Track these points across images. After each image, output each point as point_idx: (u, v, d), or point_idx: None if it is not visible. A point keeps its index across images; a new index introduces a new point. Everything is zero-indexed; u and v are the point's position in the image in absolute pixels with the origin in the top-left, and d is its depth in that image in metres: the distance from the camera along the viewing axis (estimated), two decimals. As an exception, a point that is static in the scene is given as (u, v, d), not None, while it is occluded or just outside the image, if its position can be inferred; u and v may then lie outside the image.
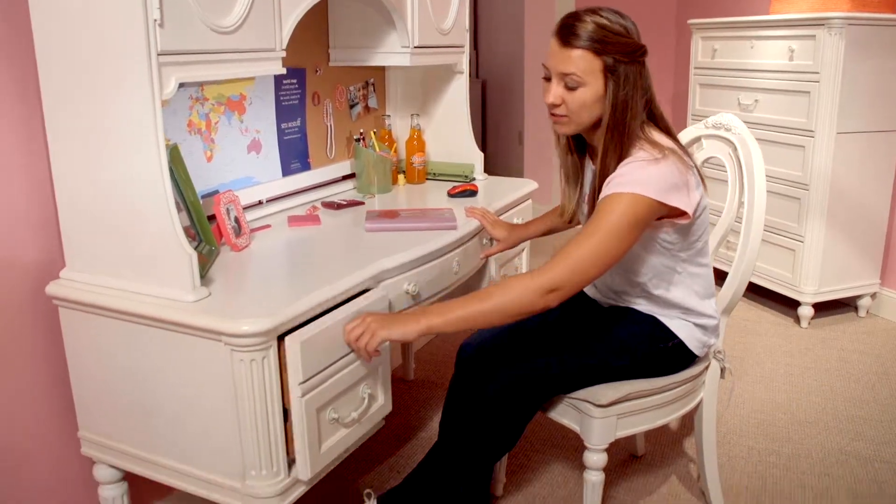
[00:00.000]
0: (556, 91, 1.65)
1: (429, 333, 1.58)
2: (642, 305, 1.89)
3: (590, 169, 1.82)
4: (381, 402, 1.75)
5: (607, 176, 1.64)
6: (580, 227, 2.12)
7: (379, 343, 1.56)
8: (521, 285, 1.56)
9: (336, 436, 1.61)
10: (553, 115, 1.69)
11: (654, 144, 1.63)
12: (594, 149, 1.75)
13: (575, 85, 1.62)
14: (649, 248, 1.77)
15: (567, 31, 1.60)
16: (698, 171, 1.73)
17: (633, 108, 1.63)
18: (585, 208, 1.84)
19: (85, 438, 1.72)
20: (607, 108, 1.62)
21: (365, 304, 1.64)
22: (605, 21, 1.60)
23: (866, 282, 3.58)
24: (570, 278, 1.56)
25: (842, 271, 3.50)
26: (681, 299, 1.84)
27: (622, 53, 1.59)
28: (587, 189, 1.83)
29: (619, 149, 1.64)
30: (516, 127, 6.06)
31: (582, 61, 1.59)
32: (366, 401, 1.67)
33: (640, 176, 1.58)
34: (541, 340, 1.87)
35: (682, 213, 1.66)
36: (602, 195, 1.62)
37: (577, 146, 1.85)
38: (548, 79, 1.68)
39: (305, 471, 1.54)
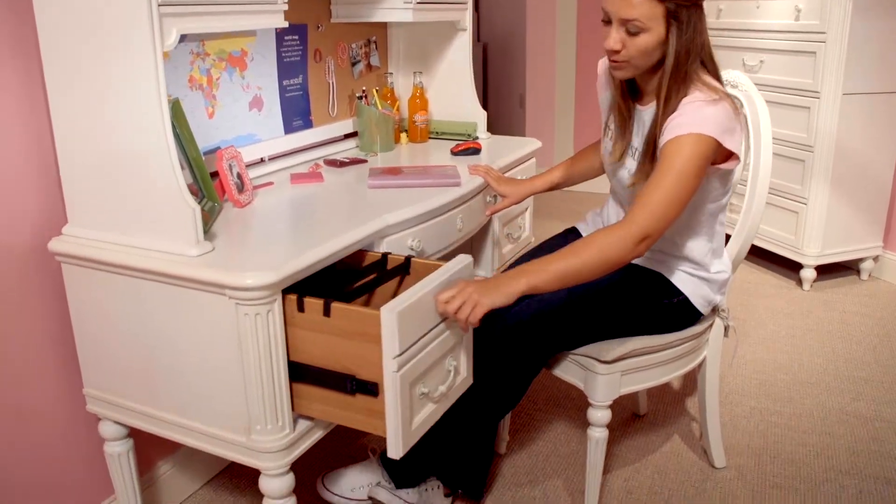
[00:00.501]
0: (616, 36, 1.63)
1: (529, 293, 1.57)
2: (653, 260, 1.89)
3: (640, 115, 1.80)
4: (464, 375, 1.69)
5: (667, 116, 1.65)
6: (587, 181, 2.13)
7: (483, 313, 1.52)
8: (616, 238, 1.57)
9: (425, 411, 1.55)
10: (612, 60, 1.68)
11: (710, 87, 1.65)
12: (644, 92, 1.76)
13: (636, 31, 1.60)
14: None
15: None
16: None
17: (693, 53, 1.63)
18: (630, 161, 1.81)
19: (90, 395, 1.72)
20: (670, 53, 1.62)
21: (456, 268, 1.58)
22: None
23: (869, 245, 3.57)
24: (656, 225, 1.58)
25: (845, 234, 3.49)
26: (696, 253, 1.84)
27: None
28: (636, 138, 1.81)
29: (678, 92, 1.64)
30: (518, 90, 6.01)
31: (644, 7, 1.57)
32: (451, 374, 1.61)
33: (700, 116, 1.59)
34: (546, 295, 1.86)
35: (729, 158, 1.67)
36: (665, 138, 1.63)
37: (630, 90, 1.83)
38: (607, 22, 1.65)
39: (397, 449, 1.47)
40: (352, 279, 1.67)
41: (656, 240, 1.61)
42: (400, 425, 1.46)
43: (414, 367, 1.46)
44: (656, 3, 1.57)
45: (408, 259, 1.70)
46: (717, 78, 1.72)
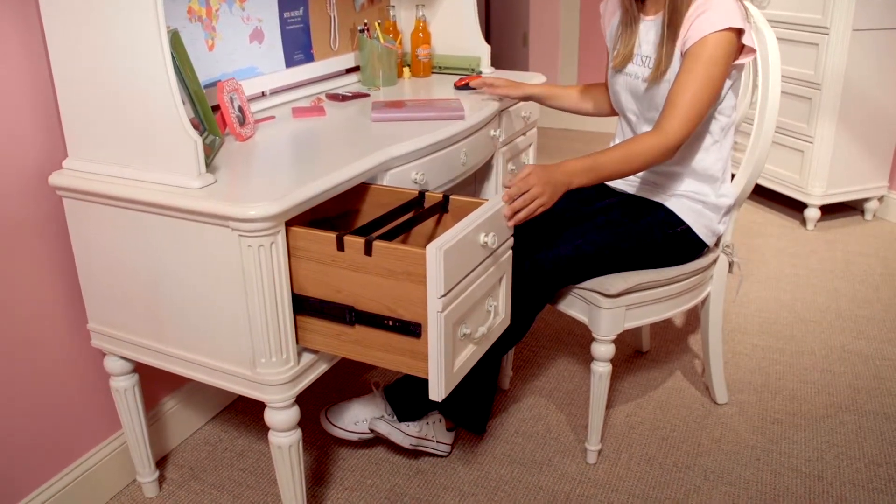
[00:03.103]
0: None
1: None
2: (654, 186, 1.88)
3: (646, 27, 1.83)
4: (503, 316, 1.67)
5: (679, 17, 1.71)
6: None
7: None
8: (653, 145, 1.68)
9: (465, 352, 1.52)
10: None
11: None
12: (655, 1, 1.79)
13: None
14: None
15: None
16: None
17: None
18: (639, 69, 1.85)
19: (94, 331, 1.72)
20: None
21: (497, 207, 1.54)
22: None
23: (874, 185, 3.55)
24: (686, 128, 1.68)
25: (850, 174, 3.46)
26: (710, 169, 1.85)
27: None
28: (643, 48, 1.83)
29: None
30: (521, 28, 5.91)
31: None
32: (491, 315, 1.58)
33: (723, 10, 1.65)
34: (550, 229, 1.85)
35: (745, 52, 1.72)
36: (689, 39, 1.69)
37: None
38: None
39: (440, 391, 1.45)
40: (385, 219, 1.61)
41: (687, 139, 1.70)
42: (443, 367, 1.43)
43: (457, 307, 1.42)
44: None
45: (446, 197, 1.65)
46: None
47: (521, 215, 1.57)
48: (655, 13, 1.79)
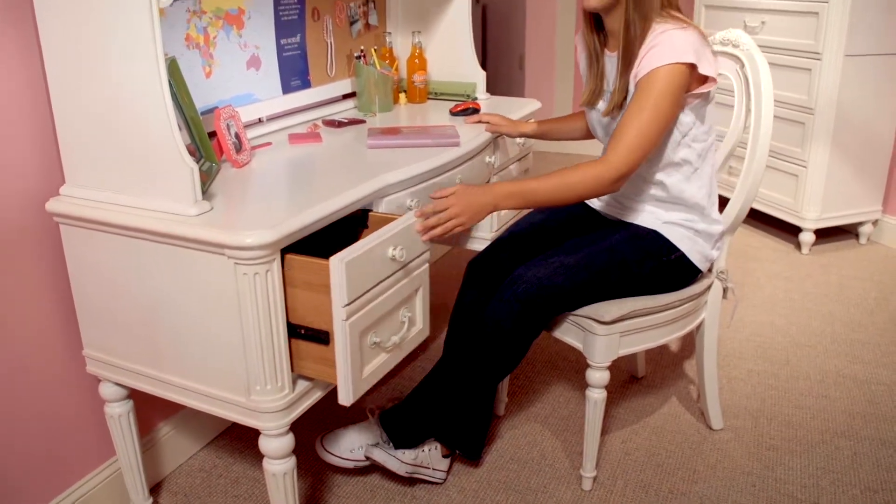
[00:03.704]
0: None
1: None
2: (647, 213, 1.89)
3: (611, 62, 1.86)
4: (420, 327, 1.73)
5: (632, 49, 1.72)
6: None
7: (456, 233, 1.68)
8: (592, 179, 1.69)
9: (377, 360, 1.59)
10: None
11: (675, 17, 1.73)
12: (611, 34, 1.83)
13: None
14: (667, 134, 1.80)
15: None
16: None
17: None
18: (604, 105, 1.87)
19: (90, 357, 1.72)
20: None
21: (409, 223, 1.61)
22: None
23: (868, 208, 3.57)
24: (630, 162, 1.68)
25: (844, 198, 3.48)
26: (694, 198, 1.85)
27: None
28: (609, 83, 1.86)
29: (642, 22, 1.71)
30: (517, 51, 5.95)
31: None
32: (406, 325, 1.65)
33: (670, 45, 1.66)
34: (546, 257, 1.86)
35: (706, 82, 1.73)
36: (639, 73, 1.70)
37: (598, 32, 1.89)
38: None
39: (347, 396, 1.52)
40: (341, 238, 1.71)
41: (631, 174, 1.71)
42: (350, 373, 1.50)
43: (364, 316, 1.50)
44: None
45: (364, 212, 1.73)
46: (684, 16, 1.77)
47: (436, 232, 1.64)
48: (616, 48, 1.80)
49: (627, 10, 1.71)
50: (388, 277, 1.57)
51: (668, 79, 1.65)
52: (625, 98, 1.77)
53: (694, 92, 1.74)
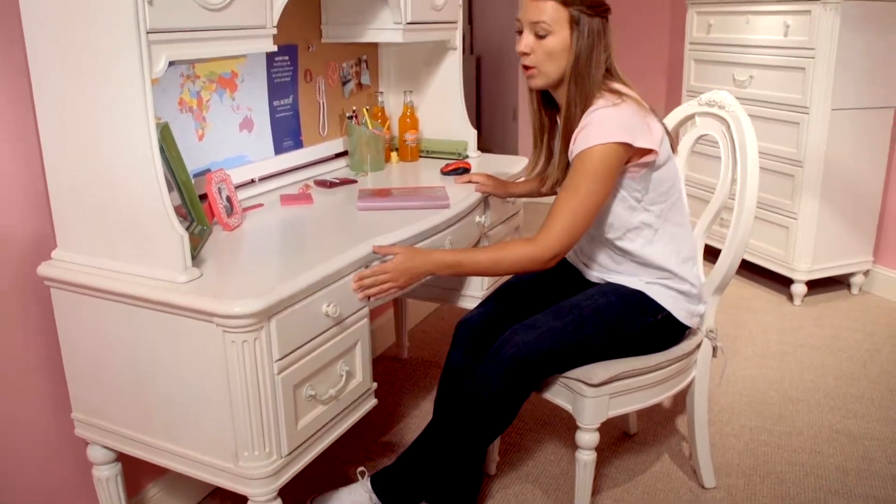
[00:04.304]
0: (526, 41, 1.78)
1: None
2: (628, 274, 1.90)
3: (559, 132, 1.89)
4: (360, 380, 1.75)
5: (572, 126, 1.76)
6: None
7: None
8: (527, 257, 1.73)
9: (314, 412, 1.61)
10: (524, 66, 1.81)
11: (613, 92, 1.76)
12: (560, 107, 1.85)
13: (544, 33, 1.75)
14: (618, 200, 1.82)
15: None
16: (661, 122, 1.83)
17: (595, 59, 1.75)
18: (556, 173, 1.90)
19: (78, 420, 1.72)
20: (571, 57, 1.75)
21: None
22: None
23: (859, 259, 3.59)
24: (563, 242, 1.72)
25: (835, 249, 3.50)
26: (659, 259, 1.86)
27: (587, 6, 1.73)
28: (557, 151, 1.89)
29: (582, 100, 1.76)
30: (511, 102, 6.03)
31: (550, 10, 1.73)
32: (343, 378, 1.67)
33: (602, 125, 1.70)
34: (534, 319, 1.87)
35: (648, 152, 1.75)
36: (573, 152, 1.74)
37: (548, 108, 1.94)
38: (520, 32, 1.81)
39: (281, 448, 1.54)
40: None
41: (565, 254, 1.74)
42: (283, 424, 1.52)
43: (297, 370, 1.54)
44: (561, 8, 1.73)
45: None
46: (626, 84, 1.81)
47: (372, 292, 1.69)
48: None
49: (569, 87, 1.76)
50: (323, 333, 1.60)
51: (600, 157, 1.69)
52: (562, 177, 1.81)
53: (637, 163, 1.76)
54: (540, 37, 1.75)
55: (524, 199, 2.56)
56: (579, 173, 1.70)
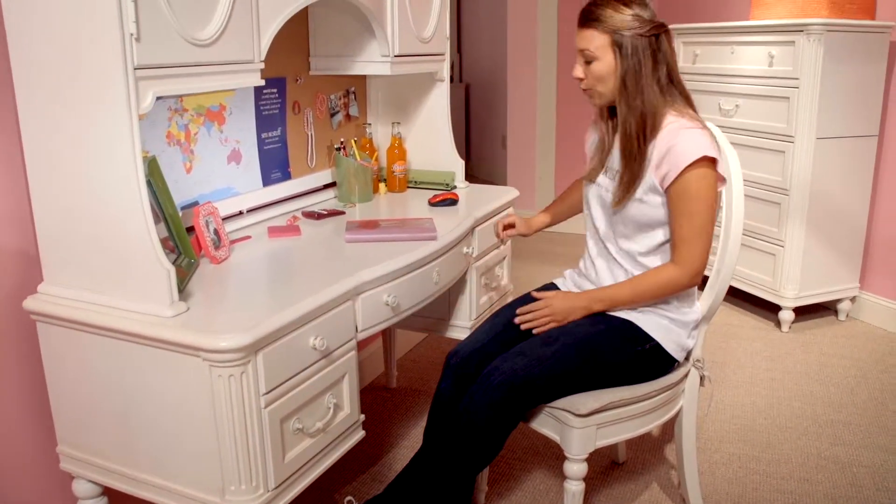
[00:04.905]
0: (578, 67, 1.88)
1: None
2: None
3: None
4: (348, 412, 1.76)
5: (630, 144, 1.83)
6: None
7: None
8: (673, 281, 1.84)
9: (301, 445, 1.61)
10: (582, 90, 1.91)
11: (686, 115, 1.83)
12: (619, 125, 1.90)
13: (591, 59, 1.83)
14: (663, 213, 1.86)
15: (582, 15, 1.84)
16: None
17: (645, 77, 1.80)
18: (607, 181, 1.96)
19: (64, 454, 1.71)
20: (618, 76, 1.82)
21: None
22: (611, 2, 1.80)
23: (846, 286, 3.61)
24: (703, 259, 1.83)
25: (822, 275, 3.52)
26: None
27: (627, 29, 1.79)
28: (615, 161, 1.93)
29: (635, 117, 1.82)
30: (500, 131, 6.07)
31: (593, 38, 1.81)
32: (331, 410, 1.68)
33: (696, 143, 1.76)
34: (521, 348, 1.87)
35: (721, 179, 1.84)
36: (671, 170, 1.77)
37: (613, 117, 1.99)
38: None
39: (269, 480, 1.54)
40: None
41: (705, 265, 1.84)
42: (270, 458, 1.53)
43: (284, 403, 1.55)
44: (602, 34, 1.80)
45: None
46: (692, 106, 1.87)
47: (532, 325, 1.91)
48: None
49: (620, 105, 1.83)
50: (310, 366, 1.61)
51: (704, 176, 1.76)
52: (632, 182, 1.84)
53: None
54: (588, 62, 1.84)
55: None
56: (693, 193, 1.77)
